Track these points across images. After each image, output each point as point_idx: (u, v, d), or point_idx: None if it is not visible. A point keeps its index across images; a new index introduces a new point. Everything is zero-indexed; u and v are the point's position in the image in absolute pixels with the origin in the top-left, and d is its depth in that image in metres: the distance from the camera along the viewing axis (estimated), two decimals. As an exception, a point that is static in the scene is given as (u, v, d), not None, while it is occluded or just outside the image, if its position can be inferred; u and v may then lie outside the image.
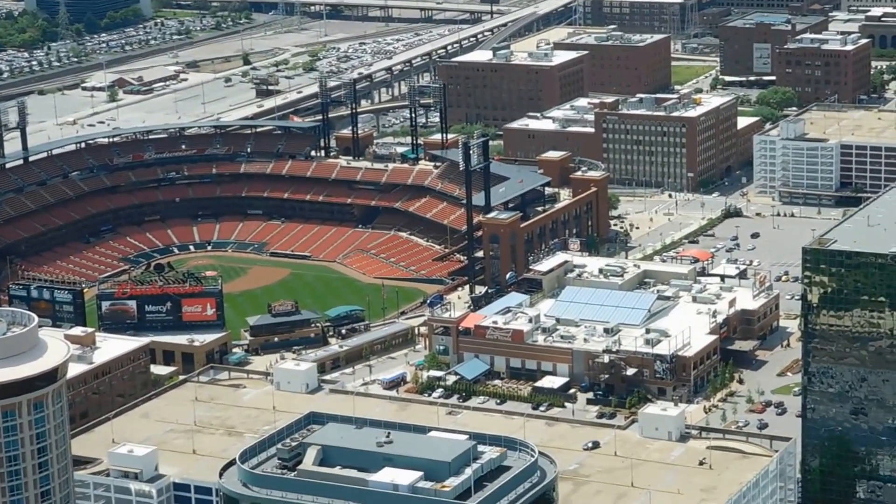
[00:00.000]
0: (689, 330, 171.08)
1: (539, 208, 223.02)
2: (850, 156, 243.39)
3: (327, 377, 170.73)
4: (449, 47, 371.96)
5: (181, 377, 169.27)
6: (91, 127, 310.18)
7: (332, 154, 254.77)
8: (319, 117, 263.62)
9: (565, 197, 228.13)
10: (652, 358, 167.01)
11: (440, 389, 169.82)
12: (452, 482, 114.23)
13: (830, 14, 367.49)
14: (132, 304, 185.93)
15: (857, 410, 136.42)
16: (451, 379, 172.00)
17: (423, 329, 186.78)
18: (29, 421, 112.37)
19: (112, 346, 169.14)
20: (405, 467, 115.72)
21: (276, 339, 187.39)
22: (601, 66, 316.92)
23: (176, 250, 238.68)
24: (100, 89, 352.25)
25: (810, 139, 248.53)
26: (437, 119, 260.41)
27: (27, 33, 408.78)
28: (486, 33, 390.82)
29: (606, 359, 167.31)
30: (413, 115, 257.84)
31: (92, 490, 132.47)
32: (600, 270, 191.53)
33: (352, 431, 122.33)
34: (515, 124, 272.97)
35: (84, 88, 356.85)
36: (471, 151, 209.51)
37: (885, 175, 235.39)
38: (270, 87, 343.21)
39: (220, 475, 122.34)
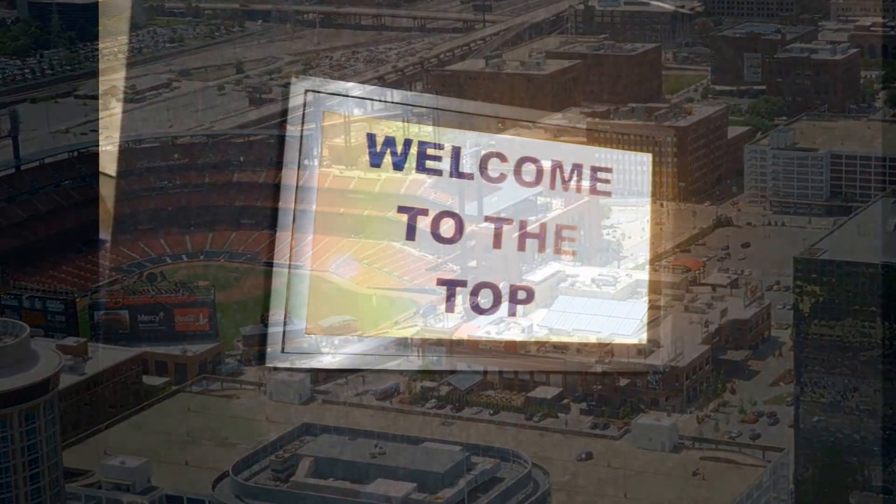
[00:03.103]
0: (681, 340, 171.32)
1: (532, 217, 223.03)
2: (840, 165, 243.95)
3: (320, 388, 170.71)
4: (441, 56, 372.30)
5: (174, 388, 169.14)
6: (83, 136, 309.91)
7: (324, 163, 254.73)
8: (312, 125, 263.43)
9: (557, 206, 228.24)
10: (645, 368, 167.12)
11: (433, 400, 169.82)
12: (446, 493, 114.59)
13: (820, 24, 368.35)
14: (125, 313, 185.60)
15: (850, 420, 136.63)
16: (445, 389, 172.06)
17: (416, 339, 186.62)
18: (20, 432, 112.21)
19: (104, 357, 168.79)
20: (398, 478, 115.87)
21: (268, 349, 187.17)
22: (593, 75, 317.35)
23: (168, 260, 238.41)
24: (92, 97, 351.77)
25: (801, 148, 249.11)
26: (430, 128, 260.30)
27: (20, 41, 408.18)
28: (478, 42, 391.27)
29: (599, 369, 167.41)
30: (405, 123, 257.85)
31: (83, 502, 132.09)
32: (593, 280, 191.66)
33: (345, 442, 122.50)
34: (507, 133, 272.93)
35: (76, 97, 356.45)
36: (463, 160, 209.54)
37: (875, 184, 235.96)
38: (264, 96, 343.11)
39: (213, 487, 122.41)
